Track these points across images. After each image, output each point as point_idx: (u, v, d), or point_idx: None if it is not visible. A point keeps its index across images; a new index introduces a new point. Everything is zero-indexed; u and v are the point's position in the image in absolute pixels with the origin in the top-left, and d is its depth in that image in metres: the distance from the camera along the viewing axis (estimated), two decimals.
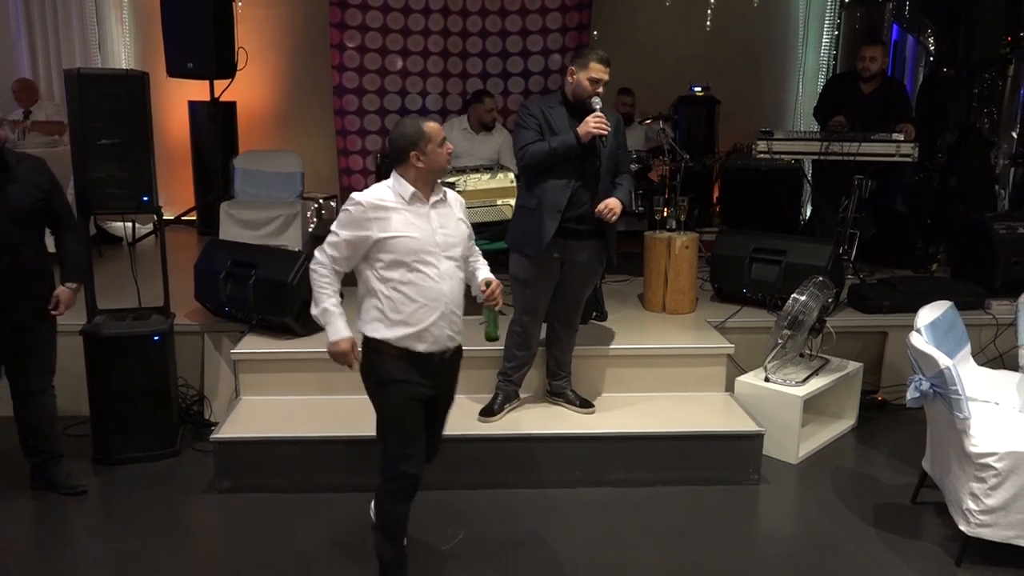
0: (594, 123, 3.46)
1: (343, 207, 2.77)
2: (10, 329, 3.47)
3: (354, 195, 2.77)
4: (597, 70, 3.54)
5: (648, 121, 6.39)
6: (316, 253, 2.80)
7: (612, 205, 3.58)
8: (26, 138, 6.14)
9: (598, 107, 3.51)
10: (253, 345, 4.25)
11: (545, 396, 4.13)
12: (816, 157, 5.36)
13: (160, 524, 3.46)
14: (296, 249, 5.40)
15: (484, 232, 4.55)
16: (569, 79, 3.60)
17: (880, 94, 5.52)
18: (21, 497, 3.66)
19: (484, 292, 2.92)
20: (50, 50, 7.30)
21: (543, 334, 3.97)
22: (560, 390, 4.07)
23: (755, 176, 6.67)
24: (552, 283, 3.75)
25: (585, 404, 4.03)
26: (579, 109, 3.60)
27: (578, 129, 3.49)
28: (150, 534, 3.38)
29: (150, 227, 6.09)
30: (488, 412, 3.91)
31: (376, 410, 2.84)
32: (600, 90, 3.56)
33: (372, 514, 3.07)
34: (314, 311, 2.80)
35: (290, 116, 7.57)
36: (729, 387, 4.30)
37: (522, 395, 4.09)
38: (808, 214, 6.85)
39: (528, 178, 3.69)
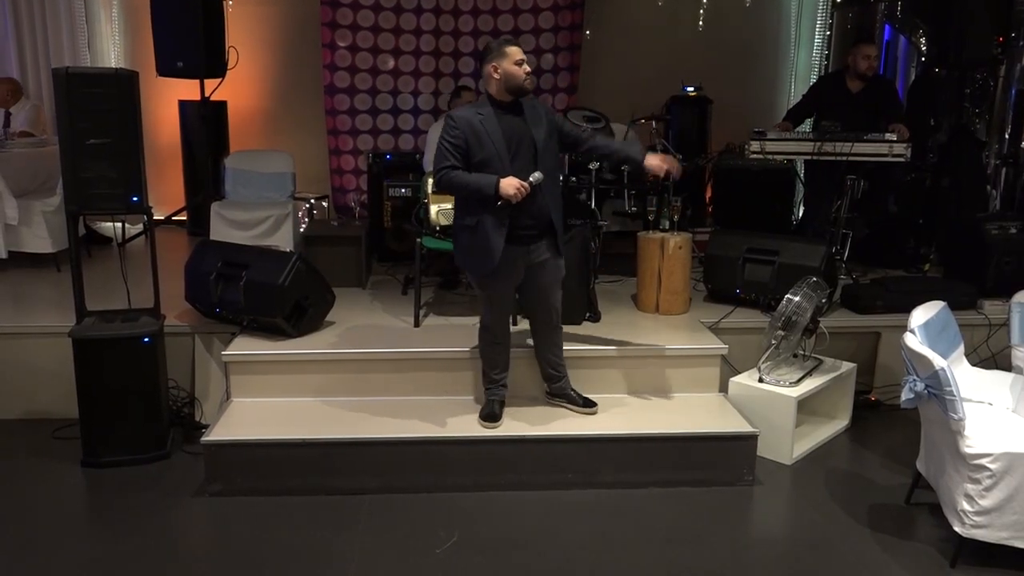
0: (514, 191, 3.40)
1: None
2: None
3: None
4: (516, 51, 3.48)
5: (642, 121, 6.37)
6: None
7: (664, 168, 3.66)
8: (11, 140, 6.10)
9: (535, 182, 3.45)
10: (244, 347, 4.22)
11: (545, 398, 4.11)
12: (809, 157, 5.37)
13: (149, 528, 3.43)
14: (287, 249, 5.36)
15: None
16: (495, 76, 3.48)
17: (869, 92, 5.54)
18: (6, 500, 3.63)
19: None
20: (38, 49, 7.23)
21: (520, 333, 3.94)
22: (561, 391, 4.03)
23: (748, 176, 6.66)
24: (515, 280, 3.71)
25: (588, 403, 4.00)
26: (512, 106, 3.54)
27: (501, 184, 3.40)
28: (139, 538, 3.35)
29: (140, 227, 6.05)
30: (493, 418, 3.86)
31: None
32: (528, 68, 3.49)
33: None
34: None
35: (281, 116, 7.52)
36: (723, 388, 4.29)
37: (522, 398, 4.07)
38: (800, 214, 6.85)
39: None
